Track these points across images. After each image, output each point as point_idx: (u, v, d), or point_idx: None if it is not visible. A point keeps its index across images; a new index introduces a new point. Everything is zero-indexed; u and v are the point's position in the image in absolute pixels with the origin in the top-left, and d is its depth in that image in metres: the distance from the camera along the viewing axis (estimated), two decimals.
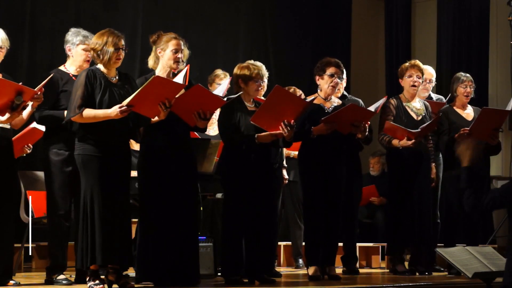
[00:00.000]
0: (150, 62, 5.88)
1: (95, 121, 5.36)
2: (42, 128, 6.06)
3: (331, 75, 6.50)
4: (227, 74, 7.31)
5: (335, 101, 6.65)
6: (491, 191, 4.85)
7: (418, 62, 7.07)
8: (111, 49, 5.43)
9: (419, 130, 6.75)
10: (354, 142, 6.80)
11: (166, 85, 5.41)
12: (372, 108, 6.56)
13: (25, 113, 5.70)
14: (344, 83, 7.29)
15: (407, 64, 7.06)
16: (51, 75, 5.70)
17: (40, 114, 5.78)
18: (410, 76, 7.01)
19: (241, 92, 6.11)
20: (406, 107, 7.01)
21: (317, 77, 6.57)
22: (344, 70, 7.27)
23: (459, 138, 6.94)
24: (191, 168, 5.80)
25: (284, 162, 7.31)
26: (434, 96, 7.75)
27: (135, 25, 9.31)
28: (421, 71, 7.04)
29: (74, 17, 8.86)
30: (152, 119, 5.53)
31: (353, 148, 6.89)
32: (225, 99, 5.94)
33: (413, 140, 6.73)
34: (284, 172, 7.34)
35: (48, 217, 5.90)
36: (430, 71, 7.65)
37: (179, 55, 5.75)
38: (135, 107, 5.34)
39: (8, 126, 5.74)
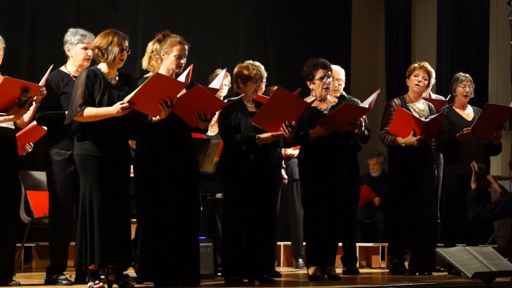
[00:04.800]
0: (144, 63, 5.87)
1: (96, 119, 5.35)
2: (44, 126, 6.05)
3: (321, 78, 6.44)
4: (228, 74, 7.24)
5: (331, 100, 6.62)
6: (494, 202, 4.90)
7: (426, 64, 7.13)
8: (116, 49, 5.43)
9: (427, 120, 6.75)
10: (353, 141, 6.80)
11: (168, 83, 5.41)
12: (365, 103, 6.55)
13: (28, 114, 5.70)
14: (343, 84, 7.29)
15: (415, 65, 7.13)
16: (52, 65, 5.69)
17: (41, 115, 5.78)
18: (416, 76, 7.05)
19: (243, 94, 6.10)
20: (410, 108, 7.01)
21: (308, 83, 6.52)
22: (342, 69, 7.29)
23: (461, 137, 6.96)
24: (192, 168, 5.79)
25: (283, 162, 7.30)
26: (434, 96, 7.75)
27: (135, 25, 9.30)
28: (428, 73, 7.07)
29: (74, 17, 8.85)
30: (153, 118, 5.53)
31: (351, 149, 6.88)
32: (225, 101, 5.92)
33: (418, 137, 6.73)
34: (283, 172, 7.33)
35: (49, 217, 5.91)
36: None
37: (182, 61, 5.70)
38: (136, 104, 5.34)
39: (12, 127, 5.74)
